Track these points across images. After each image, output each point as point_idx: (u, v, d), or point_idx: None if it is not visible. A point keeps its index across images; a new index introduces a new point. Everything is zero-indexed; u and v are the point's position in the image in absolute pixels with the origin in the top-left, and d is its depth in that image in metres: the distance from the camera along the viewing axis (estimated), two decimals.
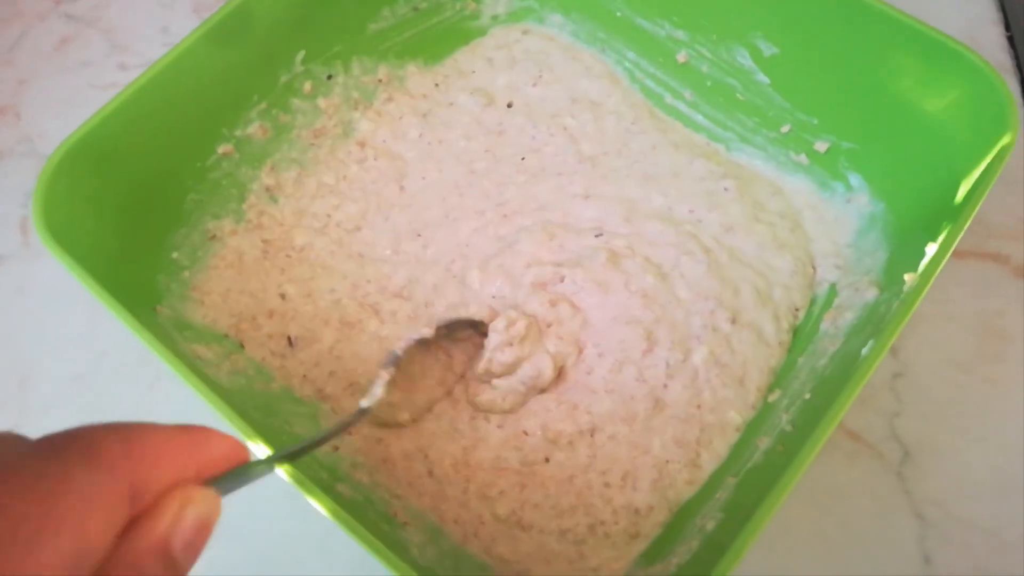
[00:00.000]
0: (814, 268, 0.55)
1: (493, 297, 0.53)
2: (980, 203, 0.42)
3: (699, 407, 0.49)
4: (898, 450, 0.53)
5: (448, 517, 0.47)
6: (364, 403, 0.44)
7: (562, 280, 0.52)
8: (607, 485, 0.47)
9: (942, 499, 0.52)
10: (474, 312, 0.52)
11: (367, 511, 0.42)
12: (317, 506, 0.36)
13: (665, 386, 0.50)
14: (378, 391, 0.44)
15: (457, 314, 0.52)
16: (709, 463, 0.47)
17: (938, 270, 0.40)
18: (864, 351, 0.40)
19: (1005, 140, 0.44)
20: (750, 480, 0.43)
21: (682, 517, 0.45)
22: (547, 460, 0.48)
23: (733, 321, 0.52)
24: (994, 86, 0.46)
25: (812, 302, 0.53)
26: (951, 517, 0.51)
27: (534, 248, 0.54)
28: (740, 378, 0.50)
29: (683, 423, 0.49)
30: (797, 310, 0.53)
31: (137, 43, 0.75)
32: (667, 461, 0.48)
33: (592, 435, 0.49)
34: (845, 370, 0.42)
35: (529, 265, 0.53)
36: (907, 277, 0.43)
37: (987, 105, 0.46)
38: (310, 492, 0.36)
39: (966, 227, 0.41)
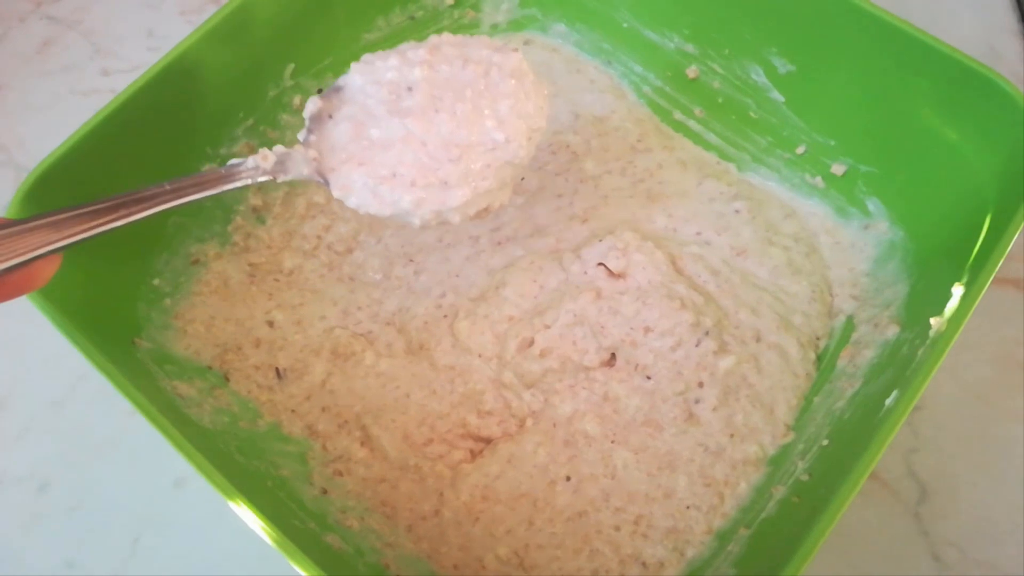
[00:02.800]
0: (832, 296, 0.52)
1: (480, 356, 0.51)
2: (1012, 243, 0.39)
3: (732, 436, 0.47)
4: (915, 489, 0.51)
5: (447, 564, 0.45)
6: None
7: (548, 328, 0.50)
8: (617, 529, 0.45)
9: (961, 541, 0.50)
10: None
11: (356, 565, 0.40)
12: (302, 574, 0.33)
13: (697, 401, 0.48)
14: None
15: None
16: (732, 509, 0.45)
17: (967, 317, 0.37)
18: (888, 402, 0.38)
19: None
20: (764, 534, 0.41)
21: (692, 570, 0.43)
22: (568, 479, 0.47)
23: (757, 339, 0.50)
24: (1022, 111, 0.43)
25: (829, 335, 0.51)
26: (970, 560, 0.50)
27: (517, 296, 0.52)
28: (770, 406, 0.48)
29: (714, 456, 0.47)
30: (818, 339, 0.51)
31: (121, 47, 0.72)
32: (688, 506, 0.45)
33: (612, 445, 0.47)
34: (866, 418, 0.40)
35: (512, 319, 0.52)
36: (933, 322, 0.40)
37: (1016, 134, 0.43)
38: (294, 558, 0.33)
39: (996, 270, 0.38)
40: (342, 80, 0.44)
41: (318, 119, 0.44)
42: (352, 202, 0.43)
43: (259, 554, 0.49)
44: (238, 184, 0.39)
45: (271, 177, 0.41)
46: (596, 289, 0.51)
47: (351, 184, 0.43)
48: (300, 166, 0.42)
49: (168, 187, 0.36)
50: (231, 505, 0.35)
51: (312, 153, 0.43)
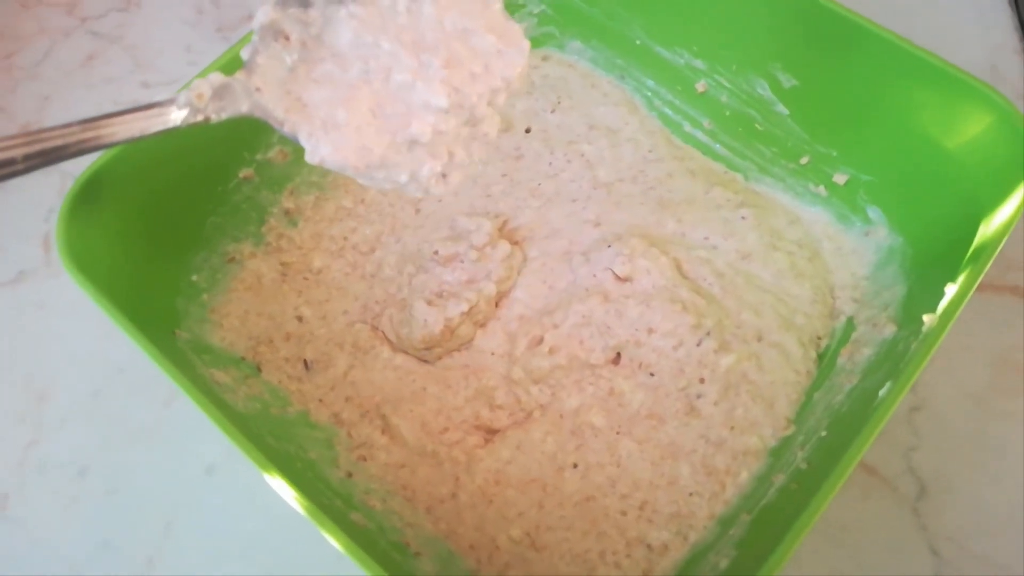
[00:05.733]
0: (833, 298, 0.55)
1: (492, 354, 0.54)
2: (1000, 245, 0.42)
3: (732, 428, 0.49)
4: (914, 485, 0.53)
5: (464, 543, 0.47)
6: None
7: (557, 327, 0.53)
8: (623, 513, 0.48)
9: (958, 535, 0.51)
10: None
11: (379, 541, 0.43)
12: (330, 539, 0.36)
13: (699, 396, 0.50)
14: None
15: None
16: (733, 497, 0.47)
17: (958, 312, 0.40)
18: (882, 392, 0.40)
19: None
20: (764, 518, 0.43)
21: (695, 553, 0.45)
22: (575, 466, 0.49)
23: (759, 339, 0.52)
24: (1015, 125, 0.46)
25: (830, 335, 0.53)
26: (967, 554, 0.51)
27: (528, 296, 0.55)
28: (770, 401, 0.50)
29: (715, 447, 0.49)
30: (819, 339, 0.53)
31: (160, 61, 0.76)
32: (691, 493, 0.48)
33: (617, 435, 0.50)
34: (862, 409, 0.42)
35: (522, 318, 0.54)
36: (926, 318, 0.42)
37: (1008, 144, 0.46)
38: (323, 526, 0.36)
39: (985, 270, 0.41)
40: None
41: (269, 35, 0.35)
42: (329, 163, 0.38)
43: (285, 537, 0.52)
44: (161, 129, 0.33)
45: (204, 118, 0.34)
46: (603, 292, 0.53)
47: (315, 142, 0.37)
48: (238, 100, 0.34)
49: (78, 127, 0.31)
50: (267, 478, 0.38)
51: (256, 81, 0.35)
